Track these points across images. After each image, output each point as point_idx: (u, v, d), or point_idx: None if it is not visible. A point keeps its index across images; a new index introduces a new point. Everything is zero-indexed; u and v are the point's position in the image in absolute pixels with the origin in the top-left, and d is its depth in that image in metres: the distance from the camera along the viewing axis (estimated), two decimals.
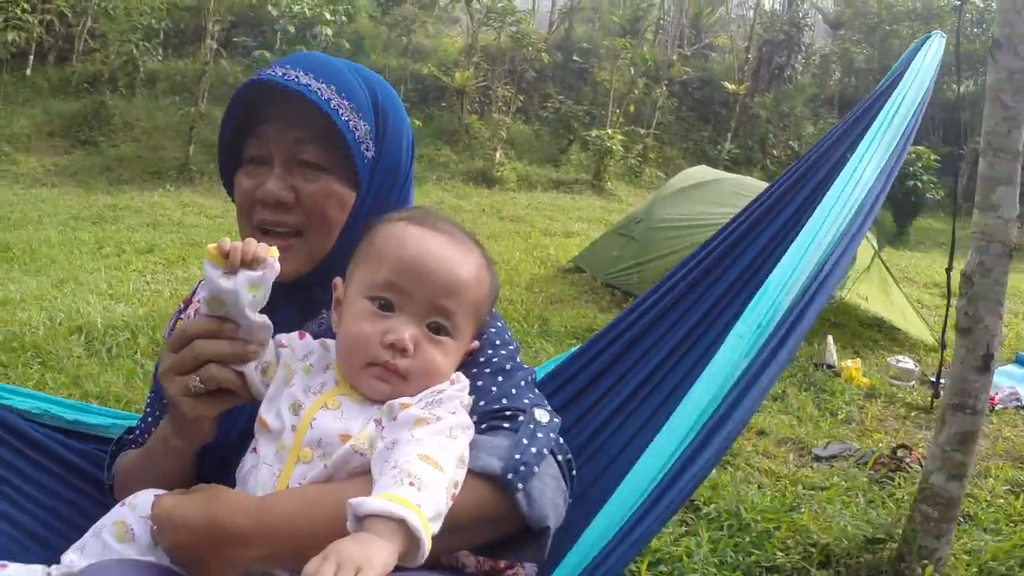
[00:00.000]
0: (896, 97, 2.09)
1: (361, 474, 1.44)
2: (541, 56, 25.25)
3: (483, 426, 1.55)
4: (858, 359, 7.56)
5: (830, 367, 7.34)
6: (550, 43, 27.84)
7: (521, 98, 24.84)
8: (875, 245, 9.07)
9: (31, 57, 22.44)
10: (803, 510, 4.25)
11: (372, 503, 1.23)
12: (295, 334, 1.64)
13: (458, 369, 1.62)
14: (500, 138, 21.78)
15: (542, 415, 1.59)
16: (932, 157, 19.01)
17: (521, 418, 1.57)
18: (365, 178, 1.72)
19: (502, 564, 1.60)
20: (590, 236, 12.97)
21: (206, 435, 1.60)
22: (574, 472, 1.62)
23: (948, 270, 5.11)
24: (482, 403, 1.60)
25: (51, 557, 1.58)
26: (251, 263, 1.47)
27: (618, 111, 24.76)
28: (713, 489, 4.42)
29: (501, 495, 1.45)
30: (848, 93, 28.55)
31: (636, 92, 25.30)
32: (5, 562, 1.59)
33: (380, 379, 1.51)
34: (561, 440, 1.61)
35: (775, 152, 25.83)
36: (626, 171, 23.31)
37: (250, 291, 1.47)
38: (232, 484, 1.55)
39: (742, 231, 2.23)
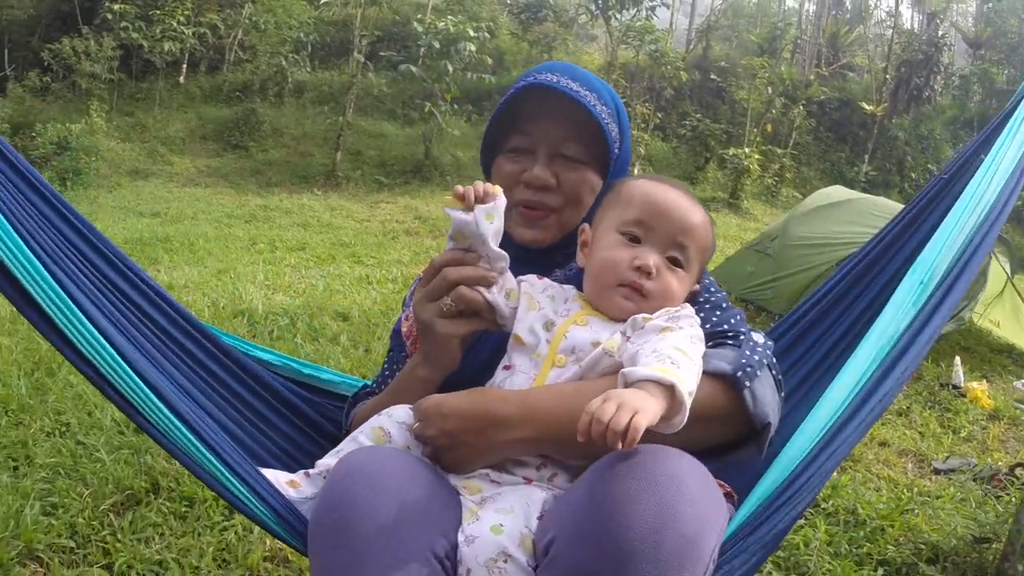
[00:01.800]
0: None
1: (609, 374, 1.69)
2: (679, 74, 25.35)
3: (710, 344, 1.78)
4: (985, 382, 7.49)
5: (956, 388, 7.30)
6: (688, 62, 27.84)
7: (659, 115, 25.01)
8: (1008, 271, 8.99)
9: (184, 66, 23.64)
10: (917, 513, 4.36)
11: (643, 371, 1.48)
12: (532, 276, 1.93)
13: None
14: (638, 155, 21.96)
15: (759, 337, 1.85)
16: None
17: (742, 337, 1.83)
18: (611, 170, 2.02)
19: (724, 488, 1.79)
20: (725, 252, 12.93)
21: (453, 360, 1.85)
22: (783, 392, 1.85)
23: None
24: (707, 327, 1.83)
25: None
26: (484, 198, 1.77)
27: (755, 130, 24.76)
28: (833, 489, 4.55)
29: (732, 391, 1.69)
30: (989, 114, 27.60)
31: (773, 111, 25.22)
32: (261, 468, 1.85)
33: (626, 297, 1.79)
34: (775, 360, 1.86)
35: (913, 175, 25.37)
36: (762, 190, 23.21)
37: (487, 219, 1.76)
38: None
39: (885, 245, 2.39)
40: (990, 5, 31.99)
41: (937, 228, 2.11)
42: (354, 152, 20.95)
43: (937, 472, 5.34)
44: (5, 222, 1.73)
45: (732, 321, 1.89)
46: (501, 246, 1.82)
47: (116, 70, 21.48)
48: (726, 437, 1.75)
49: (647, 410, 1.38)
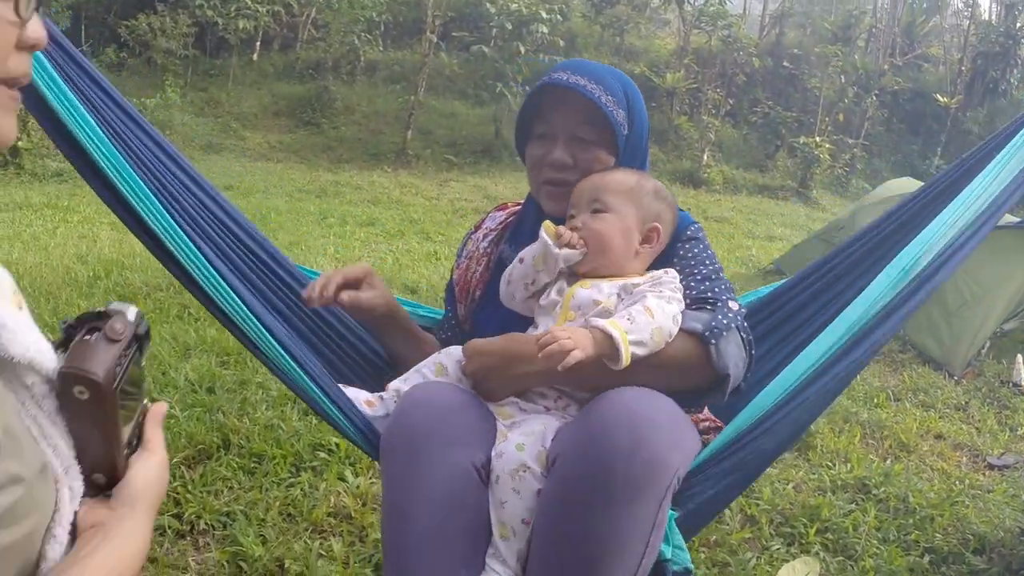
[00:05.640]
0: None
1: None
2: (752, 60, 25.10)
3: (693, 307, 2.18)
4: None
5: (1016, 386, 7.17)
6: (761, 48, 27.51)
7: (731, 101, 24.74)
8: None
9: (258, 43, 23.85)
10: (967, 505, 4.39)
11: (597, 321, 1.98)
12: None
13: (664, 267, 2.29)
14: (708, 140, 21.76)
15: (733, 305, 2.21)
16: None
17: (719, 304, 2.19)
18: (621, 148, 2.36)
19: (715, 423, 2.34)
20: (792, 241, 12.88)
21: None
22: (753, 351, 2.22)
23: None
24: (693, 294, 2.22)
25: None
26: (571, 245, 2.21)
27: (827, 119, 24.43)
28: (885, 476, 4.61)
29: (700, 346, 2.08)
30: None
31: (846, 100, 24.76)
32: (344, 385, 2.31)
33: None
34: (746, 324, 2.23)
35: None
36: (832, 180, 22.91)
37: (564, 261, 2.22)
38: None
39: (903, 220, 2.65)
40: None
41: (935, 218, 2.31)
42: (425, 131, 21.05)
43: (991, 467, 5.34)
44: (146, 187, 2.19)
45: (716, 290, 2.24)
46: (537, 214, 2.45)
47: (191, 47, 21.69)
48: (697, 383, 2.14)
49: (582, 344, 1.90)
